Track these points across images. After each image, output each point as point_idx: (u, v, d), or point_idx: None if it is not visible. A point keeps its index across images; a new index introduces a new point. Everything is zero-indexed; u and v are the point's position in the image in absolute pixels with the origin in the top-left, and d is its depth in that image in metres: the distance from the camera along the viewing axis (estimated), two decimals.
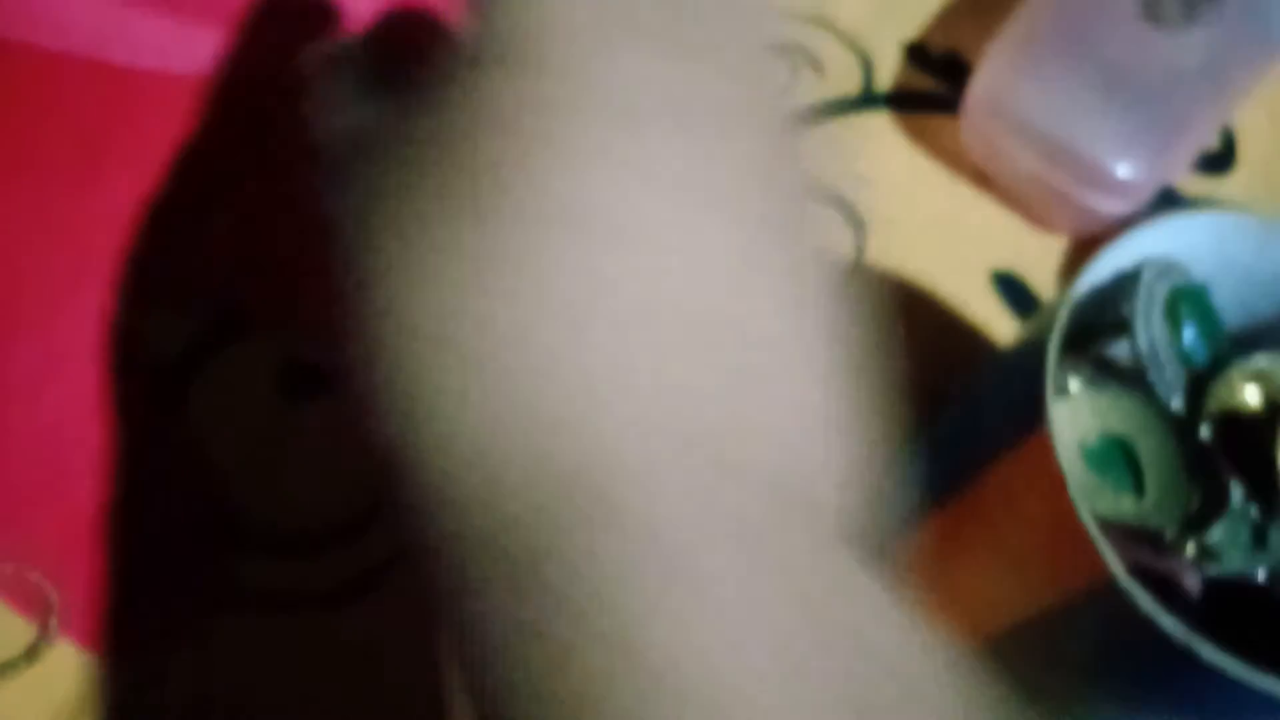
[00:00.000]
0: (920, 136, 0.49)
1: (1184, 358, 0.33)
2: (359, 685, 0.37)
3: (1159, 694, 0.30)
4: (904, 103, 0.50)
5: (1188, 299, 0.33)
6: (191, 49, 0.45)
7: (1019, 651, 0.33)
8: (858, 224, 0.46)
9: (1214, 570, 0.30)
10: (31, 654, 0.36)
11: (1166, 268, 0.33)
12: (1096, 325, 0.34)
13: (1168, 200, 0.48)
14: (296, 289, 0.42)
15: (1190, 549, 0.30)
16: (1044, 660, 0.33)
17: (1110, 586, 0.27)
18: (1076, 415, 0.32)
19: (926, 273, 0.46)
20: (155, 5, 0.46)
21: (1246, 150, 0.50)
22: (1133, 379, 0.33)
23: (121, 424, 0.39)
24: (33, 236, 0.42)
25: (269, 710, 0.37)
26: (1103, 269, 0.32)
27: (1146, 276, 0.32)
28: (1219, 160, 0.50)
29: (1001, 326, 0.45)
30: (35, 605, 0.37)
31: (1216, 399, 0.32)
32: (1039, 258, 0.47)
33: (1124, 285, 0.33)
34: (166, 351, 0.40)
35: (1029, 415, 0.30)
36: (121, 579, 0.38)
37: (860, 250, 0.46)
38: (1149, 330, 0.32)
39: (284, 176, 0.43)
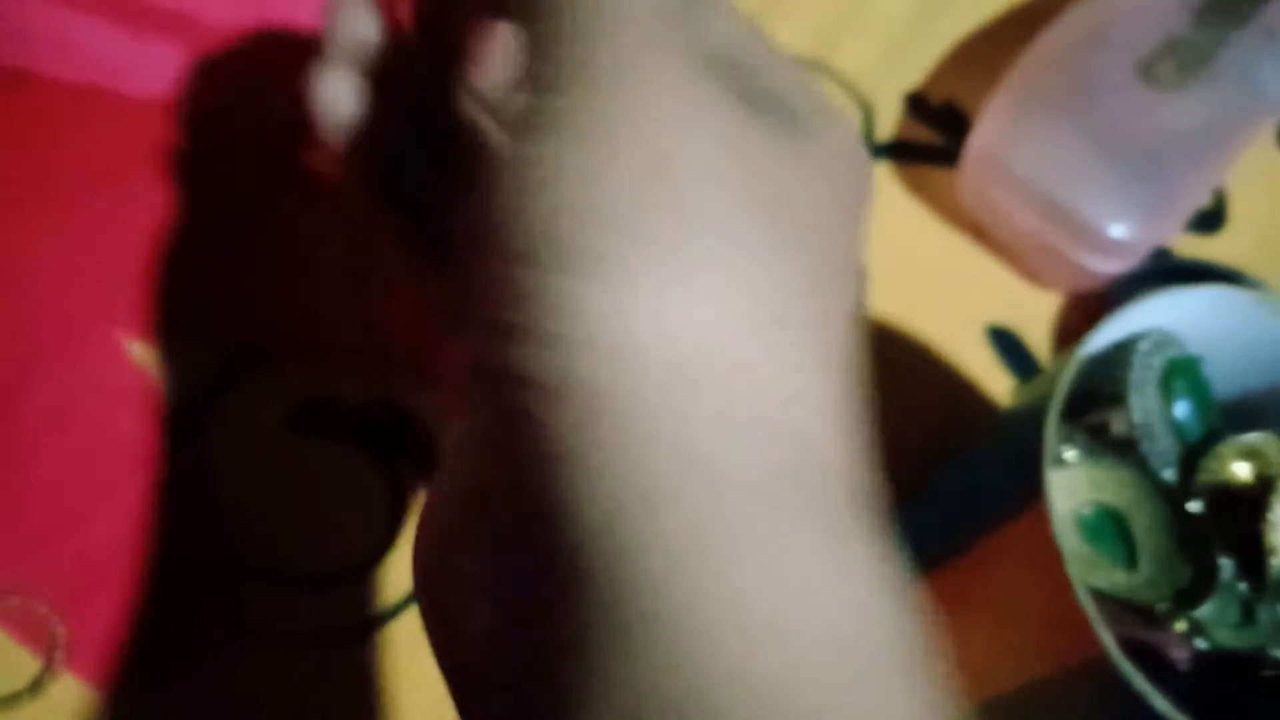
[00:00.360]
0: (919, 188, 0.49)
1: (1177, 430, 0.33)
2: None
3: None
4: (903, 153, 0.50)
5: (1182, 371, 0.33)
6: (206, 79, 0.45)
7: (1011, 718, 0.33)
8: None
9: (1204, 645, 0.31)
10: (36, 687, 0.36)
11: (1162, 340, 0.33)
12: (1093, 394, 0.34)
13: (1161, 259, 0.48)
14: (314, 325, 0.42)
15: (1181, 624, 0.30)
16: None
17: (1103, 662, 0.28)
18: (1072, 485, 0.32)
19: (922, 324, 0.46)
20: (167, 35, 0.46)
21: (1237, 210, 0.51)
22: (1127, 450, 0.33)
23: (136, 460, 0.39)
24: (51, 271, 0.42)
25: None
26: (1101, 340, 0.33)
27: (1142, 348, 0.33)
28: (1210, 219, 0.51)
29: (996, 381, 0.45)
30: (41, 639, 0.37)
31: (1208, 473, 0.33)
32: (1034, 313, 0.47)
33: (1120, 355, 0.34)
34: (182, 387, 0.41)
35: (1026, 482, 0.30)
36: (131, 614, 0.38)
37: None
38: (1144, 403, 0.33)
39: (302, 211, 0.43)
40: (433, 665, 0.37)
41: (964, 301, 0.47)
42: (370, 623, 0.39)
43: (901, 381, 0.45)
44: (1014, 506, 0.31)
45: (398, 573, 0.39)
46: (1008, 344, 0.46)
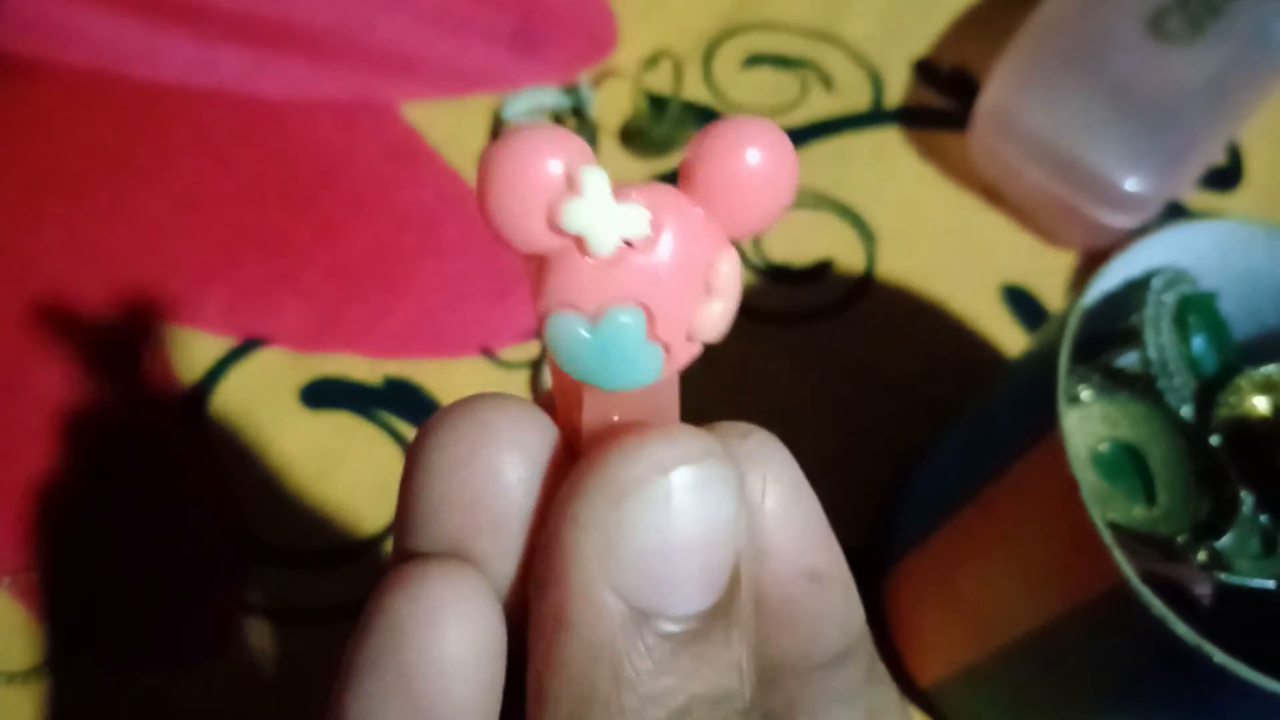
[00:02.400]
0: (930, 152, 0.49)
1: (1193, 366, 0.33)
2: None
3: (1171, 702, 0.30)
4: (913, 119, 0.50)
5: (1196, 307, 0.33)
6: (216, 65, 0.46)
7: (1030, 662, 0.33)
8: (869, 238, 0.47)
9: (1225, 577, 0.30)
10: (55, 661, 0.37)
11: (1175, 277, 0.33)
12: (1106, 335, 0.34)
13: (1175, 214, 0.48)
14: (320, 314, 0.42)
15: (1201, 556, 0.30)
16: (1055, 671, 0.32)
17: (1122, 592, 0.27)
18: (1087, 423, 0.32)
19: (937, 286, 0.46)
20: (178, 21, 0.46)
21: (1253, 166, 0.51)
22: (1142, 387, 0.33)
23: (145, 439, 0.40)
24: (62, 253, 0.42)
25: None
26: (1112, 278, 0.32)
27: (1155, 285, 0.33)
28: (1226, 176, 0.50)
29: (1011, 339, 0.45)
30: (59, 613, 0.37)
31: (1226, 407, 0.32)
32: (1048, 272, 0.47)
33: (1133, 294, 0.33)
34: (191, 368, 0.41)
35: (1040, 423, 0.30)
36: (141, 592, 0.38)
37: (871, 264, 0.46)
38: (1158, 339, 0.32)
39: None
40: None
41: (978, 262, 0.47)
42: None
43: (918, 342, 0.45)
44: (1027, 446, 0.31)
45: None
46: (1023, 303, 0.46)
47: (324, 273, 0.43)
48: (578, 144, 0.13)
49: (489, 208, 0.14)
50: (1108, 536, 0.27)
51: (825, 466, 0.41)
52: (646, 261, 0.14)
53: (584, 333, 0.14)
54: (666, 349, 0.15)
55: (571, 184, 0.13)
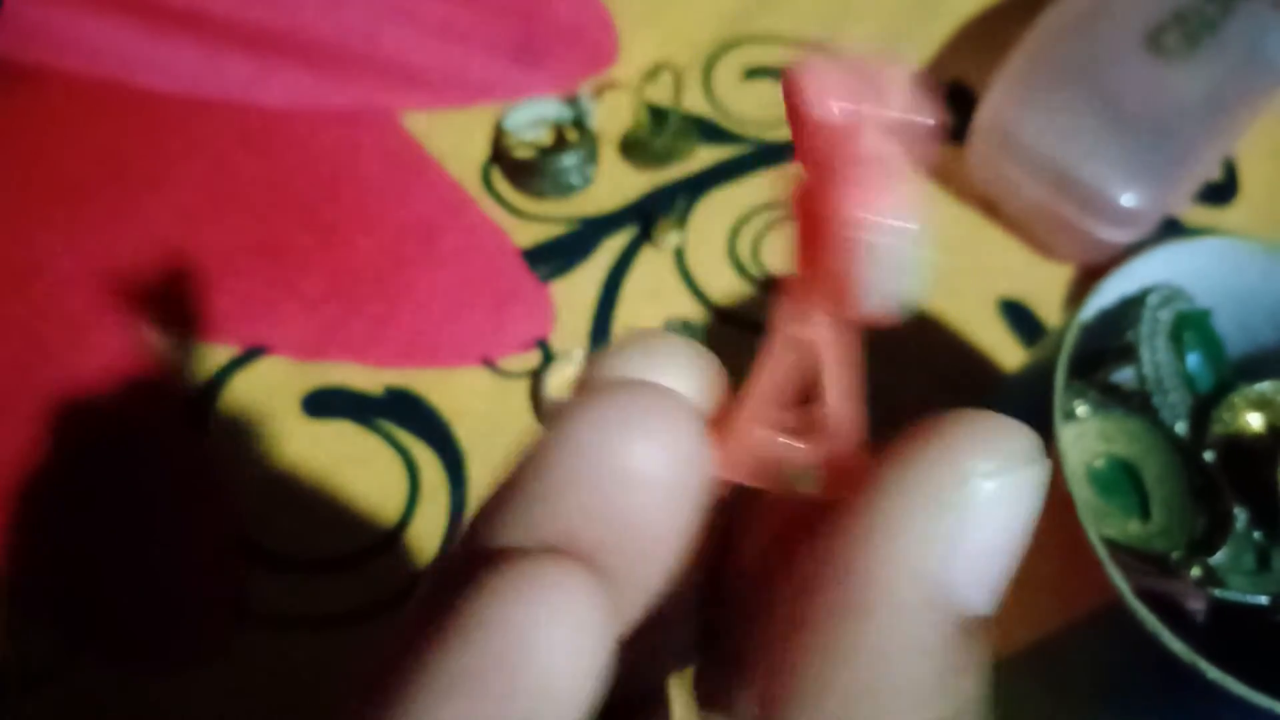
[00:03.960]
0: (928, 165, 0.49)
1: (1188, 383, 0.33)
2: None
3: (1165, 716, 0.30)
4: None
5: (1192, 324, 0.33)
6: (220, 74, 0.46)
7: (1026, 675, 0.33)
8: None
9: (1218, 593, 0.30)
10: (59, 666, 0.37)
11: (1171, 294, 0.33)
12: (1102, 351, 0.34)
13: (1171, 230, 0.48)
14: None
15: (1195, 572, 0.30)
16: (1050, 685, 0.33)
17: (1117, 608, 0.28)
18: (1083, 439, 0.32)
19: (934, 299, 0.46)
20: (184, 31, 0.46)
21: (1249, 182, 0.51)
22: (1138, 404, 0.33)
23: (147, 446, 0.40)
24: (63, 261, 0.42)
25: None
26: (1108, 294, 0.33)
27: (1151, 302, 0.33)
28: (1221, 191, 0.50)
29: (1008, 352, 0.45)
30: (60, 618, 0.37)
31: (1220, 424, 0.32)
32: (1045, 286, 0.47)
33: (1129, 311, 0.34)
34: (194, 375, 0.41)
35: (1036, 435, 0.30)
36: (141, 597, 0.38)
37: None
38: (1154, 356, 0.33)
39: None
40: None
41: (976, 276, 0.47)
42: (378, 604, 0.39)
43: (915, 356, 0.45)
44: None
45: (407, 555, 0.40)
46: (1019, 316, 0.46)
47: (325, 282, 0.43)
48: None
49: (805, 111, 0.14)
50: (1103, 552, 0.27)
51: None
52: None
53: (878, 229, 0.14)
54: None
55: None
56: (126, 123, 0.45)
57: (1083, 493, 0.31)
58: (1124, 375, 0.34)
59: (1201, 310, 0.34)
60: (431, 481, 0.40)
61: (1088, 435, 0.32)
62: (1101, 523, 0.31)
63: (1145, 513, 0.32)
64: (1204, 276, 0.33)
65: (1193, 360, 0.33)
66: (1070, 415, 0.32)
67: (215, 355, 0.42)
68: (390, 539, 0.39)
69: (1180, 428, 0.33)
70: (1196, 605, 0.31)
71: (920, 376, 0.45)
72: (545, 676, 0.13)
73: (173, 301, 0.42)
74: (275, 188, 0.44)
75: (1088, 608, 0.29)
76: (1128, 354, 0.33)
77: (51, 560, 0.38)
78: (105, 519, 0.39)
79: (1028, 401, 0.32)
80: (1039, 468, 0.14)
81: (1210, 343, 0.34)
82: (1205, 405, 0.33)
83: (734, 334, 0.45)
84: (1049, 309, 0.47)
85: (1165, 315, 0.33)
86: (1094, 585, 0.28)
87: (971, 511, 0.14)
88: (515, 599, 0.13)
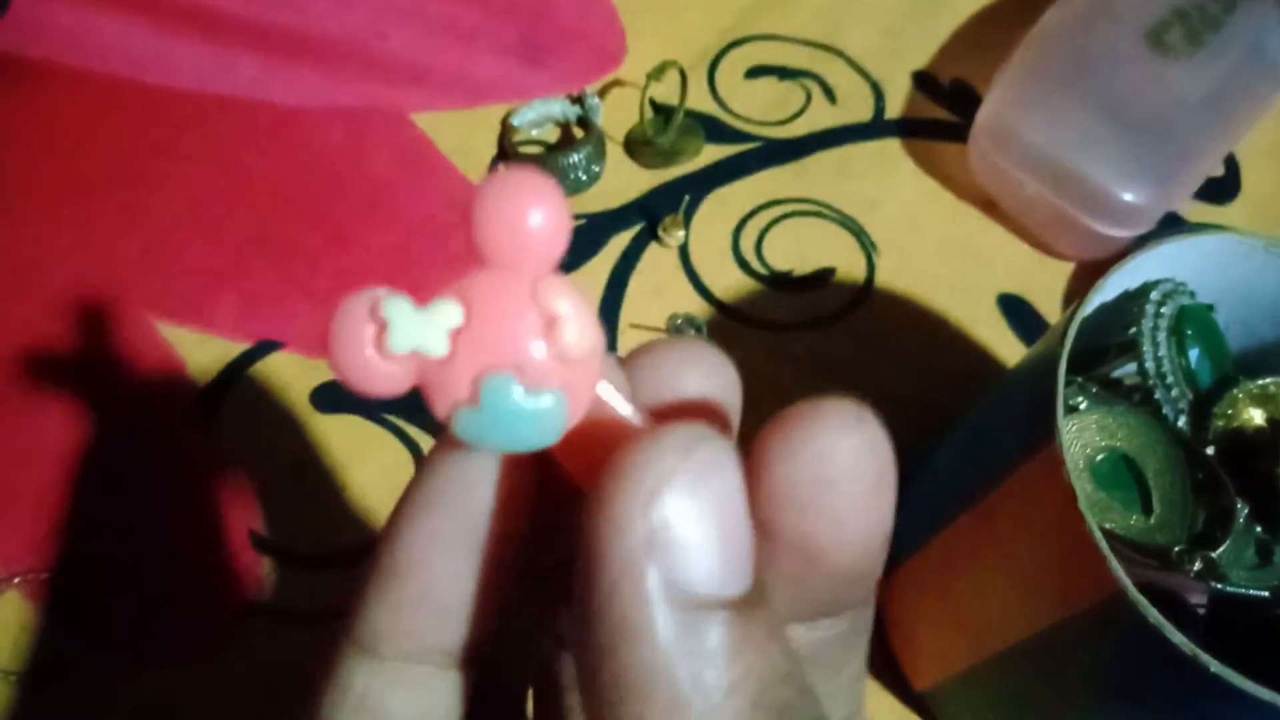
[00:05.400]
0: (929, 163, 0.50)
1: (1189, 378, 0.33)
2: None
3: (1167, 709, 0.30)
4: (914, 130, 0.51)
5: (1193, 320, 0.33)
6: (228, 72, 0.46)
7: (1027, 668, 0.33)
8: (869, 247, 0.47)
9: (1220, 587, 0.31)
10: (68, 662, 0.37)
11: (1173, 289, 0.33)
12: (1103, 346, 0.35)
13: (1172, 226, 0.48)
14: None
15: (1196, 566, 0.31)
16: (1052, 677, 0.33)
17: (1119, 601, 0.28)
18: (1084, 433, 0.32)
19: (935, 296, 0.47)
20: (191, 29, 0.47)
21: (1250, 179, 0.51)
22: (1139, 399, 0.34)
23: (157, 442, 0.40)
24: (73, 258, 0.42)
25: None
26: (1110, 290, 0.33)
27: (1153, 297, 0.33)
28: (1222, 189, 0.51)
29: (1008, 348, 0.46)
30: (72, 614, 0.37)
31: (1222, 419, 0.33)
32: (1045, 282, 0.47)
33: (1130, 306, 0.34)
34: (204, 371, 0.41)
35: (1038, 433, 0.30)
36: (152, 588, 0.38)
37: (871, 273, 0.47)
38: (1156, 351, 0.33)
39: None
40: None
41: (976, 272, 0.48)
42: None
43: (916, 351, 0.46)
44: (1024, 455, 0.31)
45: None
46: (1019, 312, 0.47)
47: (335, 278, 0.43)
48: (372, 294, 0.15)
49: (353, 387, 0.15)
50: (1104, 545, 0.28)
51: None
52: (478, 333, 0.15)
53: (477, 415, 0.15)
54: (558, 383, 0.15)
55: (382, 322, 0.15)
56: (135, 120, 0.45)
57: (1084, 487, 0.31)
58: (1125, 370, 0.35)
59: (1203, 305, 0.34)
60: None
61: (1089, 429, 0.32)
62: (1102, 516, 0.31)
63: (1146, 507, 0.32)
64: (1206, 272, 0.34)
65: (1194, 355, 0.34)
66: (1071, 409, 0.33)
67: (226, 351, 0.42)
68: None
69: (1182, 422, 0.33)
70: (1198, 599, 0.32)
71: (921, 373, 0.45)
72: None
73: (183, 298, 0.42)
74: (284, 185, 0.45)
75: (1089, 601, 0.29)
76: (1129, 349, 0.34)
77: (61, 555, 0.38)
78: (115, 514, 0.39)
79: (1028, 397, 0.32)
80: (714, 444, 0.15)
81: (1212, 338, 0.34)
82: (1206, 400, 0.33)
83: (737, 329, 0.45)
84: (1049, 305, 0.47)
85: (1167, 310, 0.33)
86: (1095, 578, 0.28)
87: (663, 494, 0.15)
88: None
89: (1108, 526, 0.31)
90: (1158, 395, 0.33)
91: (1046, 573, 0.31)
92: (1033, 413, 0.31)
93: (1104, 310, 0.34)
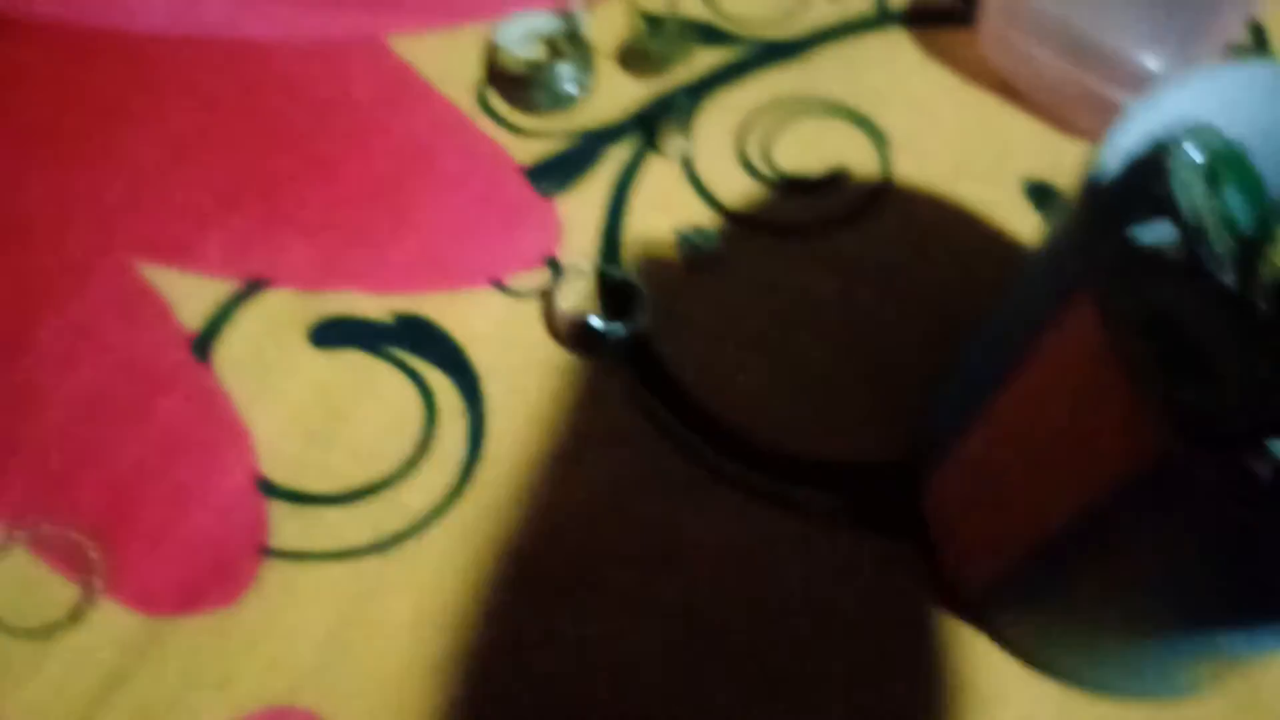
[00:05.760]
0: (938, 51, 0.47)
1: (1231, 226, 0.31)
2: (415, 631, 0.36)
3: (1220, 577, 0.28)
4: (920, 18, 0.48)
5: (1229, 163, 0.31)
6: (196, 11, 0.45)
7: (1076, 554, 0.31)
8: (882, 143, 0.45)
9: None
10: (75, 615, 0.36)
11: (1202, 132, 0.31)
12: (1134, 206, 0.32)
13: None
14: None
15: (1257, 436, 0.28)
16: (1103, 562, 0.31)
17: (1172, 464, 0.26)
18: (1125, 295, 0.30)
19: (958, 188, 0.44)
20: None
21: (1278, 43, 0.49)
22: (1178, 257, 0.31)
23: (157, 381, 0.39)
24: (57, 208, 0.41)
25: (313, 665, 0.36)
26: (1132, 134, 0.31)
27: (1183, 143, 0.31)
28: (1248, 54, 0.48)
29: (1036, 234, 0.44)
30: (77, 566, 0.36)
31: (1271, 266, 0.30)
32: (1072, 164, 0.45)
33: (1158, 158, 0.32)
34: (196, 314, 0.40)
35: (1070, 288, 0.28)
36: (160, 537, 0.37)
37: (887, 170, 0.45)
38: (1191, 200, 0.31)
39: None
40: (458, 580, 0.35)
41: (998, 160, 0.45)
42: (404, 532, 0.37)
43: (942, 245, 0.43)
44: (1058, 317, 0.29)
45: (428, 479, 0.38)
46: (1047, 197, 0.44)
47: (324, 211, 0.42)
48: None
49: None
50: (1152, 394, 0.26)
51: (857, 379, 0.40)
52: None
53: None
54: None
55: None
56: (109, 64, 0.44)
57: (1136, 349, 0.29)
58: (1160, 232, 0.32)
59: (1238, 147, 0.32)
60: (449, 405, 0.39)
61: (1125, 293, 0.30)
62: (1155, 381, 0.29)
63: (1198, 371, 0.30)
64: (1236, 110, 0.31)
65: (1233, 201, 0.31)
66: (1100, 265, 0.31)
67: (216, 291, 0.41)
68: (410, 465, 0.38)
69: (1228, 277, 0.31)
70: (1263, 471, 0.29)
71: (951, 270, 0.43)
72: None
73: (168, 239, 0.41)
74: (265, 120, 0.43)
75: (1140, 467, 0.28)
76: (1162, 206, 0.31)
77: (65, 506, 0.37)
78: (118, 460, 0.38)
79: (1058, 261, 0.30)
80: None
81: (1249, 182, 0.32)
82: (1252, 248, 0.31)
83: (752, 237, 0.43)
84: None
85: (1199, 156, 0.31)
86: (1147, 444, 0.26)
87: None
88: None
89: (1160, 392, 0.29)
90: (1199, 250, 0.31)
91: (1092, 432, 0.29)
92: (1062, 272, 0.29)
93: (1130, 163, 0.32)
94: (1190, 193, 0.31)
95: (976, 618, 0.37)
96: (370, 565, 0.37)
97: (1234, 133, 0.32)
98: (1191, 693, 0.36)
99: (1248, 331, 0.30)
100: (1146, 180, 0.32)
